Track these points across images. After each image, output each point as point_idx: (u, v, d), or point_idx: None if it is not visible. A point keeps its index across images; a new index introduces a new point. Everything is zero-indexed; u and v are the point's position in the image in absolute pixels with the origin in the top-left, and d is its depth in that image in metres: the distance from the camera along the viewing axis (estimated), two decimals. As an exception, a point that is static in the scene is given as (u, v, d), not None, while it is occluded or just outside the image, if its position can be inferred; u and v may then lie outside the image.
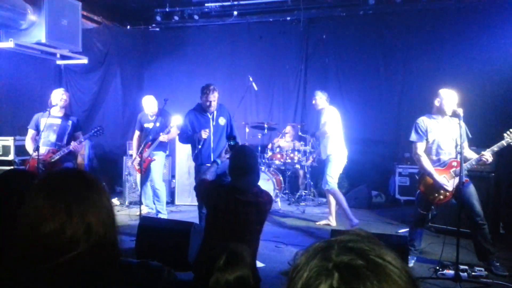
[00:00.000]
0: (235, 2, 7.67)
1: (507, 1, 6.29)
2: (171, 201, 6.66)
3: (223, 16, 8.07)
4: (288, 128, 7.24)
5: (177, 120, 5.24)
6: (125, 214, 5.80)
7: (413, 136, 3.93)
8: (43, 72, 7.12)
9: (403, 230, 5.07)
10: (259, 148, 6.88)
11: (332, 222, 5.45)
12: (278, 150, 6.81)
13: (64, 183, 1.13)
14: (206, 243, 2.79)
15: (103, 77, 8.03)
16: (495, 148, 3.63)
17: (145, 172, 5.48)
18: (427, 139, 3.87)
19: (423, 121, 3.91)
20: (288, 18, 7.79)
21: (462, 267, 3.50)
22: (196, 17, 8.07)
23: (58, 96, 4.83)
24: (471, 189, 3.74)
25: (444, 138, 3.82)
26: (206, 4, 7.82)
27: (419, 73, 6.96)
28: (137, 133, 5.77)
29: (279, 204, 6.50)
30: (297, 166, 6.87)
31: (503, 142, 3.60)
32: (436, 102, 3.89)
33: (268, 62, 7.93)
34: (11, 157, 5.70)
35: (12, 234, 1.07)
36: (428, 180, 3.83)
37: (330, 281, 0.61)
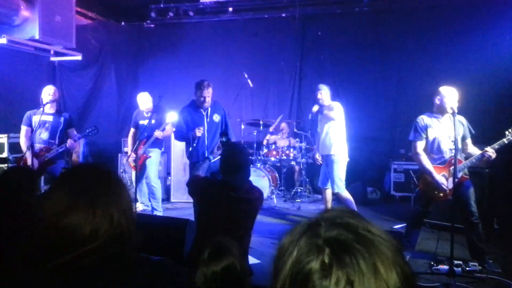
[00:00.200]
0: (230, -1, 7.66)
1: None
2: (166, 198, 6.65)
3: (218, 13, 8.04)
4: (283, 125, 7.24)
5: (172, 117, 5.22)
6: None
7: (412, 135, 3.92)
8: (37, 69, 7.07)
9: (398, 226, 5.10)
10: (255, 145, 6.88)
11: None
12: (273, 147, 6.81)
13: (86, 176, 1.16)
14: (198, 239, 2.80)
15: (98, 74, 7.99)
16: (496, 145, 3.61)
17: (141, 170, 5.46)
18: (427, 137, 3.85)
19: (423, 119, 3.89)
20: (284, 15, 7.78)
21: (456, 262, 3.52)
22: (191, 13, 8.04)
23: (47, 92, 4.76)
24: (470, 189, 3.74)
25: (445, 136, 3.79)
26: (201, 1, 7.78)
27: (415, 70, 6.98)
28: (132, 130, 5.74)
29: (274, 201, 6.51)
30: (293, 163, 6.88)
31: (504, 140, 3.58)
32: (437, 100, 3.84)
33: (263, 59, 7.92)
34: (5, 154, 5.66)
35: (32, 227, 1.08)
36: (428, 178, 3.82)
37: (321, 257, 0.62)
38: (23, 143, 4.81)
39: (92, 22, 7.97)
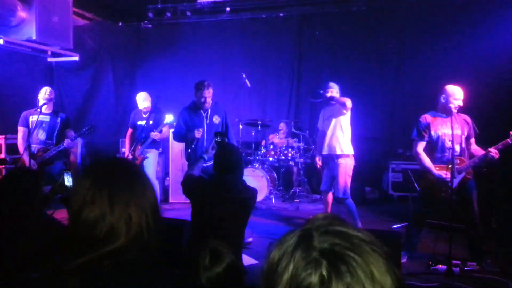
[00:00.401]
0: (228, -1, 7.65)
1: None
2: (164, 199, 6.64)
3: (215, 13, 8.03)
4: (282, 125, 7.24)
5: (169, 119, 5.22)
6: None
7: (414, 134, 3.90)
8: (34, 70, 7.03)
9: (396, 226, 5.11)
10: (253, 146, 6.88)
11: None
12: (271, 147, 6.81)
13: (110, 171, 1.13)
14: (192, 238, 2.82)
15: (95, 75, 7.96)
16: (500, 146, 3.59)
17: (138, 170, 5.43)
18: (430, 136, 3.82)
19: (426, 118, 3.86)
20: (281, 15, 7.77)
21: (454, 262, 3.52)
22: (188, 14, 8.03)
23: (42, 94, 4.76)
24: (475, 190, 3.74)
25: (449, 135, 3.74)
26: (198, 1, 7.77)
27: (413, 70, 6.98)
28: (130, 130, 5.73)
29: (273, 201, 6.50)
30: (291, 163, 6.88)
31: (508, 140, 3.56)
32: (442, 99, 3.81)
33: (261, 59, 7.91)
34: (2, 155, 5.64)
35: (36, 227, 1.07)
36: (429, 177, 3.80)
37: (319, 270, 0.62)
38: (20, 144, 4.80)
39: (89, 23, 7.95)
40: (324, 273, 0.62)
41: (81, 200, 1.04)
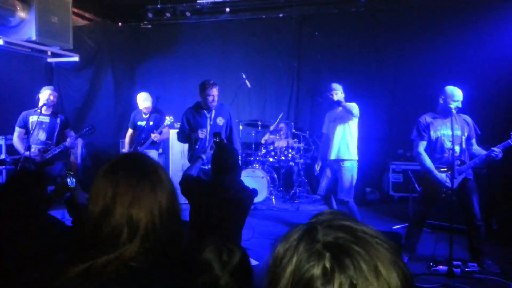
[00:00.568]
0: (228, -1, 7.64)
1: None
2: (164, 200, 6.62)
3: (215, 13, 8.02)
4: (282, 125, 7.23)
5: (169, 121, 5.21)
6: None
7: (413, 134, 3.90)
8: (34, 70, 7.03)
9: (397, 227, 5.10)
10: (253, 146, 6.87)
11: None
12: (272, 147, 6.80)
13: (121, 168, 1.09)
14: (190, 238, 2.83)
15: (95, 75, 7.95)
16: (501, 146, 3.59)
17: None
18: (429, 137, 3.82)
19: (425, 119, 3.86)
20: (281, 15, 7.77)
21: (455, 263, 3.52)
22: (188, 14, 8.02)
23: (46, 96, 4.74)
24: (475, 191, 3.73)
25: (448, 136, 3.74)
26: (198, 1, 7.77)
27: (412, 70, 6.97)
28: (130, 130, 5.72)
29: (273, 202, 6.50)
30: (291, 163, 6.87)
31: (509, 141, 3.56)
32: (440, 100, 3.82)
33: (261, 59, 7.90)
34: (2, 156, 5.63)
35: (40, 229, 1.05)
36: (430, 177, 3.79)
37: (322, 262, 0.61)
38: (17, 144, 4.79)
39: (89, 23, 7.94)
40: (327, 265, 0.61)
41: (91, 194, 1.03)
